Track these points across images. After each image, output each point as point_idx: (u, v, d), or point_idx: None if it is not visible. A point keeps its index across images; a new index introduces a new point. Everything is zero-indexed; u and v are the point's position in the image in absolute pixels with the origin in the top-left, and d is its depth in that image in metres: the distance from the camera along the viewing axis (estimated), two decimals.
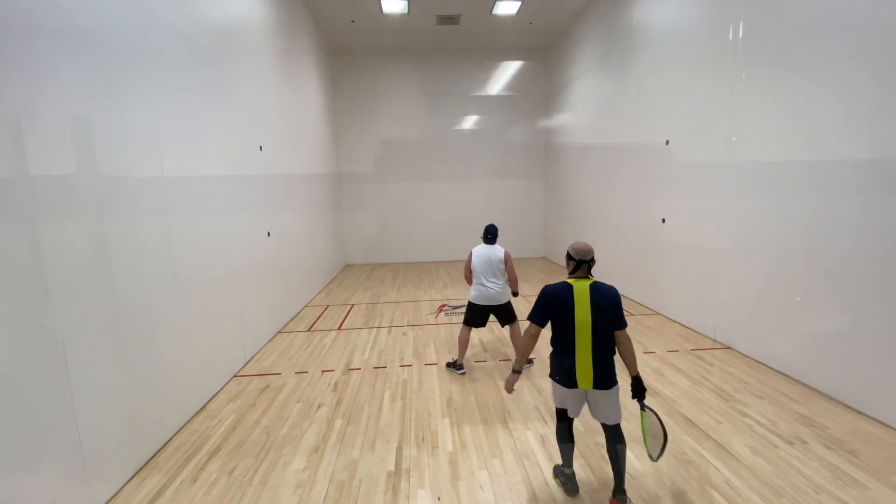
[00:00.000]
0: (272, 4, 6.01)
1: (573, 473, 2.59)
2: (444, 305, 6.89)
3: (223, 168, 4.27)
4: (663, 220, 5.97)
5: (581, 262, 2.41)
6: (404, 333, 5.54)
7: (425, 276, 9.37)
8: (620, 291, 2.46)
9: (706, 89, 5.00)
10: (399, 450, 3.02)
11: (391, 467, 2.83)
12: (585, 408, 2.45)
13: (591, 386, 2.32)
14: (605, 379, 2.32)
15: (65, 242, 2.35)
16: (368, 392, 3.91)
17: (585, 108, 8.72)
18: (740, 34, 4.46)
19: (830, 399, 3.56)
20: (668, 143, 5.80)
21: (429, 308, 6.76)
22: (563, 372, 2.38)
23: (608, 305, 2.32)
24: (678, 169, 5.60)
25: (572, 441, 2.58)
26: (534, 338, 2.45)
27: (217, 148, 4.15)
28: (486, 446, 3.04)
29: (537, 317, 2.39)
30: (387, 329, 5.75)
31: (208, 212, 3.93)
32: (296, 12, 7.27)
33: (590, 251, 2.43)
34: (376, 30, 9.30)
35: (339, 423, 3.39)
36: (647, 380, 3.96)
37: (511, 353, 4.71)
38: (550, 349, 2.48)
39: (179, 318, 3.41)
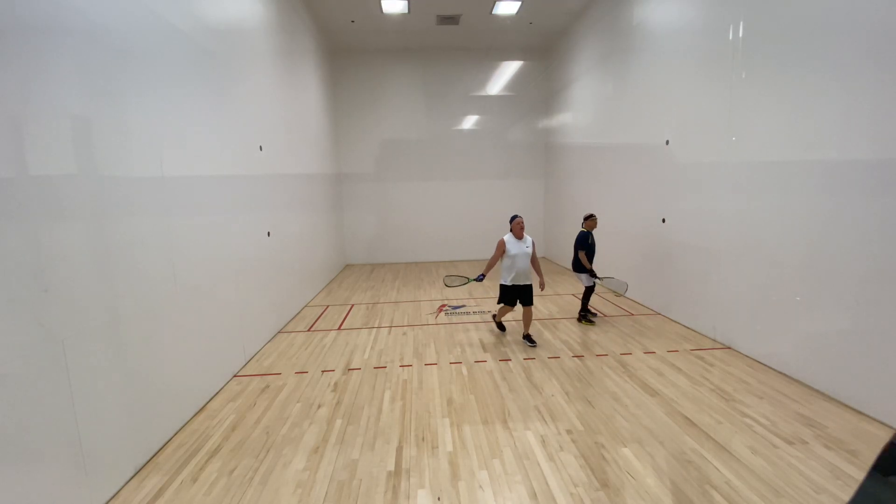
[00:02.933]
0: (272, 4, 6.01)
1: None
2: (444, 305, 6.89)
3: (223, 168, 4.27)
4: (663, 220, 5.97)
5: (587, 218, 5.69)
6: (404, 333, 5.54)
7: (425, 276, 9.37)
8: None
9: (706, 89, 5.00)
10: (399, 450, 3.02)
11: (391, 467, 2.83)
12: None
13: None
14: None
15: (65, 242, 2.35)
16: (368, 392, 3.91)
17: (585, 108, 8.71)
18: (740, 34, 4.45)
19: (830, 399, 3.56)
20: (668, 143, 5.80)
21: (429, 308, 6.76)
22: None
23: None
24: (678, 169, 5.60)
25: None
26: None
27: (217, 148, 4.15)
28: (486, 446, 3.04)
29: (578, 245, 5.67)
30: (387, 329, 5.75)
31: (208, 212, 3.93)
32: (296, 12, 7.27)
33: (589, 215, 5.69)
34: (376, 30, 9.30)
35: (339, 423, 3.39)
36: (647, 380, 4.00)
37: (509, 348, 4.74)
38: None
39: (179, 318, 3.41)
